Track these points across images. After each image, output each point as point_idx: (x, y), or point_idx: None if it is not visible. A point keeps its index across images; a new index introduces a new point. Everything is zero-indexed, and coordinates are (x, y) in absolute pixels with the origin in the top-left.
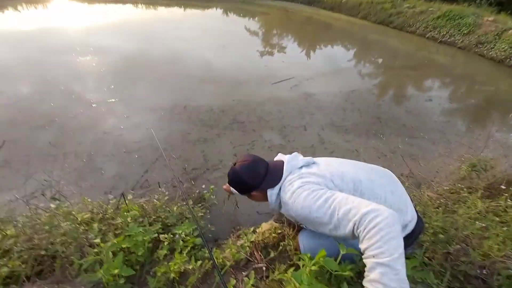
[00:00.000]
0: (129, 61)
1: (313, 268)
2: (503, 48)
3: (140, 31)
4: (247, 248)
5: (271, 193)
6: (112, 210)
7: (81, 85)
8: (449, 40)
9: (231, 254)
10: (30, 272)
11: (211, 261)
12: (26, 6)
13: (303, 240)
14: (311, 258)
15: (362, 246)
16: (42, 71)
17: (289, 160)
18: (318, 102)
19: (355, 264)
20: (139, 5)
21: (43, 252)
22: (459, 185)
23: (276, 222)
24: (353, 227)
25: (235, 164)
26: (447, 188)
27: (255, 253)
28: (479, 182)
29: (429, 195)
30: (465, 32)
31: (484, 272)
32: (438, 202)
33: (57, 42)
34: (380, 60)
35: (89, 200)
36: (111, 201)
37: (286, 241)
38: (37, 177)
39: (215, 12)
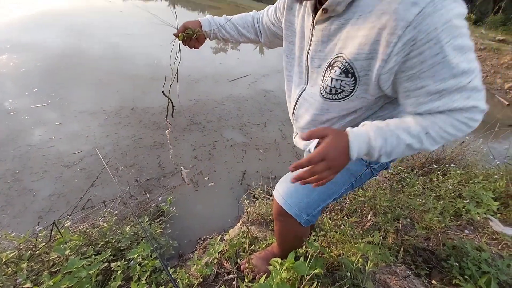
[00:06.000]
0: (59, 59)
1: (284, 275)
2: None
3: (72, 24)
4: (215, 260)
5: None
6: (44, 243)
7: None
8: None
9: (198, 271)
10: None
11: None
12: None
13: (280, 191)
14: (281, 264)
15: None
16: None
17: None
18: (276, 98)
19: (323, 259)
20: None
21: None
22: (399, 166)
23: (243, 226)
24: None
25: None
26: (390, 171)
27: (224, 263)
28: (414, 162)
29: (376, 179)
30: None
31: (431, 244)
32: (385, 184)
33: None
34: None
35: (12, 235)
36: (40, 234)
37: (255, 245)
38: None
39: (160, 4)
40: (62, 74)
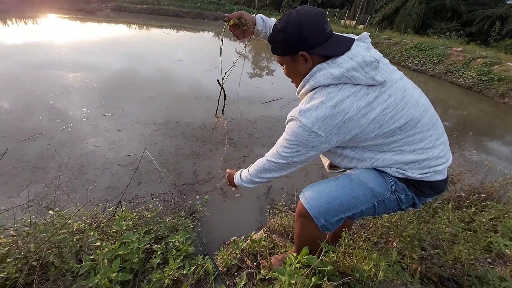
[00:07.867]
0: (122, 78)
1: (298, 265)
2: (471, 75)
3: (132, 50)
4: (239, 254)
5: (327, 72)
6: (106, 220)
7: (71, 100)
8: (421, 68)
9: (222, 260)
10: (24, 281)
11: (204, 268)
12: (16, 21)
13: (306, 194)
14: (296, 257)
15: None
16: (31, 85)
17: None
18: None
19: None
20: (132, 26)
21: (35, 263)
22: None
23: (265, 232)
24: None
25: (294, 7)
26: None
27: (246, 260)
28: (450, 195)
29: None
30: (435, 61)
31: (454, 272)
32: (411, 213)
33: (48, 58)
34: None
35: (83, 210)
36: (108, 209)
37: (275, 248)
38: (26, 190)
39: (207, 35)
40: (124, 90)
